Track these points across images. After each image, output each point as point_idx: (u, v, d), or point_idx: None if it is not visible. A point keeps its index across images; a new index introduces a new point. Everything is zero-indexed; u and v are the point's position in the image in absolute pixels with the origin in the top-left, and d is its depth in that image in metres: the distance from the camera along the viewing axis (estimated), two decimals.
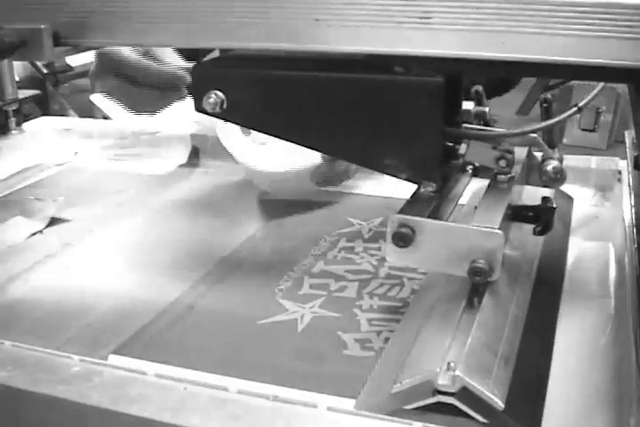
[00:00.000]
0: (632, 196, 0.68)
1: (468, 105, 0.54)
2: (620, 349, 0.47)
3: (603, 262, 0.60)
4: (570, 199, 0.71)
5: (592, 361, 0.46)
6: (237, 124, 0.52)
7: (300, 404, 0.41)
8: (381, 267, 0.60)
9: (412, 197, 0.47)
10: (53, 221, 0.72)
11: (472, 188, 0.55)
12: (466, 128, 0.51)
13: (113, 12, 0.47)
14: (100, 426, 0.43)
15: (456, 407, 0.37)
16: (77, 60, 1.26)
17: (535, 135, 0.51)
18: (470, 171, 0.54)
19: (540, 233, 0.52)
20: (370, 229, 0.69)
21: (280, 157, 0.59)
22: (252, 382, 0.44)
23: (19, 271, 0.62)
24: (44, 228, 0.71)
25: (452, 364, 0.38)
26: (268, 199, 0.76)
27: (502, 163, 0.49)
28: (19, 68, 1.46)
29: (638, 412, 0.38)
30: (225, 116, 0.49)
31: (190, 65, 0.51)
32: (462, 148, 0.52)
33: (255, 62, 0.48)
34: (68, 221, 0.73)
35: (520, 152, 0.53)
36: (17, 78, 1.14)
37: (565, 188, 0.69)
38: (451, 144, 0.51)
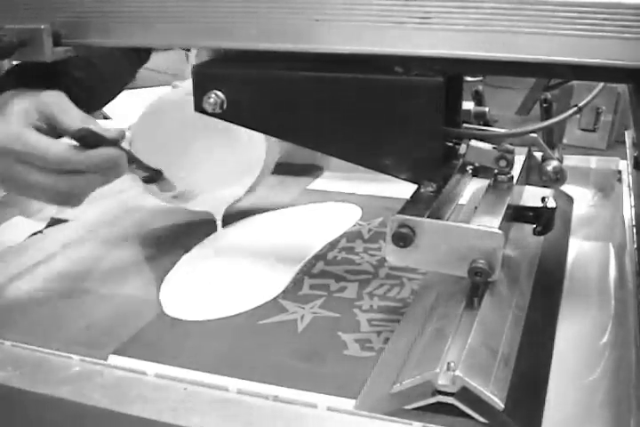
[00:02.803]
0: (632, 196, 0.68)
1: (467, 105, 0.54)
2: (620, 349, 0.47)
3: (603, 262, 0.60)
4: (570, 199, 0.71)
5: (592, 361, 0.46)
6: (237, 124, 0.52)
7: (300, 404, 0.41)
8: (381, 267, 0.61)
9: (411, 197, 0.47)
10: (53, 221, 0.72)
11: (472, 188, 0.55)
12: (466, 128, 0.51)
13: (113, 12, 0.47)
14: (100, 426, 0.43)
15: (456, 407, 0.37)
16: None
17: (535, 135, 0.51)
18: (470, 171, 0.54)
19: (541, 233, 0.52)
20: (370, 230, 0.69)
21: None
22: (251, 382, 0.44)
23: (19, 271, 0.62)
24: (44, 228, 0.71)
25: (452, 364, 0.38)
26: None
27: (502, 163, 0.49)
28: None
29: (638, 412, 0.38)
30: (225, 116, 0.49)
31: None
32: (462, 148, 0.51)
33: (255, 62, 0.48)
34: (67, 221, 0.73)
35: (520, 152, 0.53)
36: None
37: (565, 188, 0.69)
38: (451, 144, 0.51)
